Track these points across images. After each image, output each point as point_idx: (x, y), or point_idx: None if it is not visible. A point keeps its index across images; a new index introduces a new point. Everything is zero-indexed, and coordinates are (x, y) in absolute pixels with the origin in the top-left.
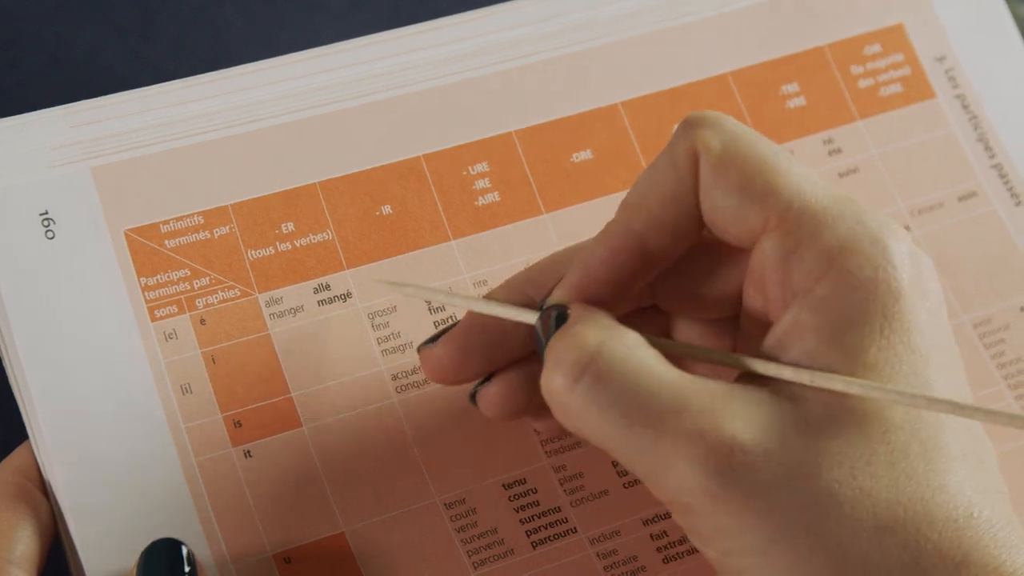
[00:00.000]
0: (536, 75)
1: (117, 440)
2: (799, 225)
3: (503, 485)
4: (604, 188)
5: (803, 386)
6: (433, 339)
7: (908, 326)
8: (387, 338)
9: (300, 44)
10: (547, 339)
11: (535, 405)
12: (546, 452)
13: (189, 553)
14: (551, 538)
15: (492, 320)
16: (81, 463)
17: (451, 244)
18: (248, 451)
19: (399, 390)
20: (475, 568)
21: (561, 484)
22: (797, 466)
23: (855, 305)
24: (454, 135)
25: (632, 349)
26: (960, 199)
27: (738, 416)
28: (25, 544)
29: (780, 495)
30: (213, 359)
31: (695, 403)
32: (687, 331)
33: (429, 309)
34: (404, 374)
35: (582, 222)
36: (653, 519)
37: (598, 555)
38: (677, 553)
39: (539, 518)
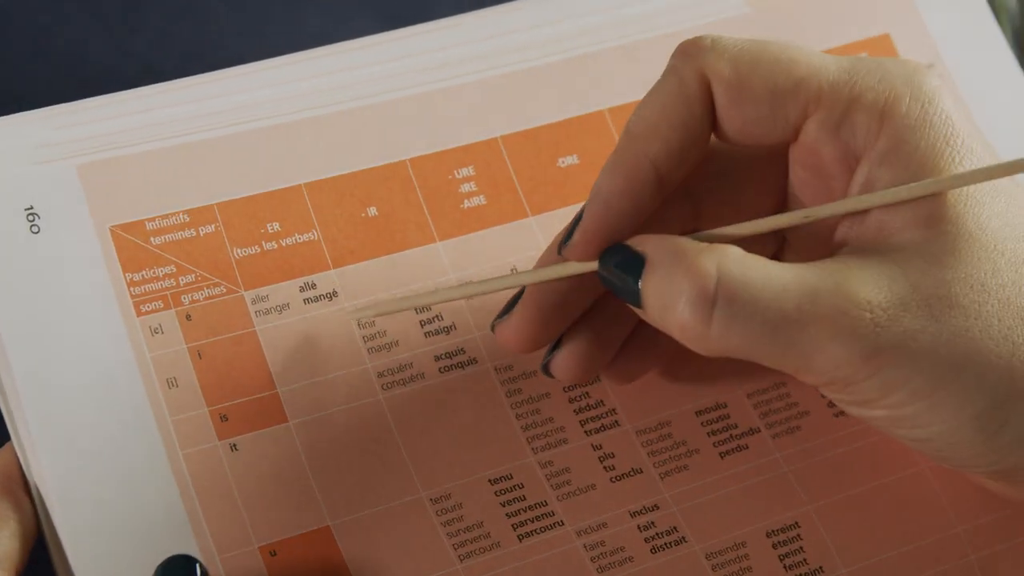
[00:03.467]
0: (522, 82)
1: (103, 432)
2: (835, 98)
3: (489, 480)
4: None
5: (904, 241)
6: (506, 311)
7: (970, 144)
8: (372, 336)
9: (287, 36)
10: (631, 278)
11: (604, 360)
12: (532, 449)
13: (203, 571)
14: (537, 531)
15: (553, 284)
16: (67, 456)
17: (437, 246)
18: (234, 444)
19: (385, 387)
20: (461, 560)
21: (547, 479)
22: (936, 302)
23: (918, 146)
24: (440, 140)
25: (741, 262)
26: None
27: (864, 282)
28: (5, 544)
29: (930, 335)
30: (199, 354)
31: (821, 286)
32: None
33: (415, 310)
34: (390, 371)
35: None
36: (640, 511)
37: (585, 547)
38: (664, 543)
39: (525, 512)
